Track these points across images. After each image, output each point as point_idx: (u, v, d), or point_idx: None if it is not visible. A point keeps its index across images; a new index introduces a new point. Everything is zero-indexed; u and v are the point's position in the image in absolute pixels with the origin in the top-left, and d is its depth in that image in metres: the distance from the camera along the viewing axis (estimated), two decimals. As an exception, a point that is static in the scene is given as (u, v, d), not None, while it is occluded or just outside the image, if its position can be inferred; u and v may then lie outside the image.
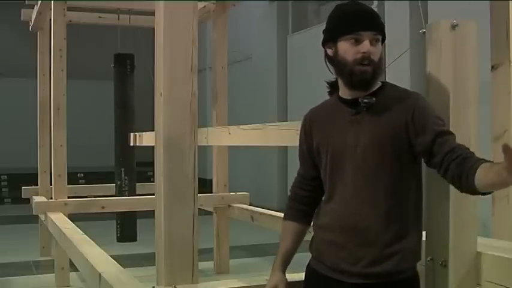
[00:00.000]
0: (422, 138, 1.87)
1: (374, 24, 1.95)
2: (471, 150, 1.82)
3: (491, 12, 2.91)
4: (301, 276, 2.18)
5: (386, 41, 2.01)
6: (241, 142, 3.54)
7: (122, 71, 6.41)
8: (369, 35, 1.93)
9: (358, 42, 1.93)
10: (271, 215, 5.14)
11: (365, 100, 1.94)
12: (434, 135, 1.84)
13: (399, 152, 1.91)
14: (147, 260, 5.35)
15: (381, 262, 1.90)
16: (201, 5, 5.94)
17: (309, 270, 2.11)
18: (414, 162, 1.95)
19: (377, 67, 1.94)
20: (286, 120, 8.78)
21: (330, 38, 2.00)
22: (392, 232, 1.90)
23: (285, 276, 2.15)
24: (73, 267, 4.65)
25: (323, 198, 2.07)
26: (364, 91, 1.96)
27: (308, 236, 2.17)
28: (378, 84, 1.99)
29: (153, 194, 2.61)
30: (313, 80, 9.55)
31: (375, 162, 1.91)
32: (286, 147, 10.10)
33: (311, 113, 2.14)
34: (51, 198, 5.53)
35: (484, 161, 1.71)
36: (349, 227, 1.94)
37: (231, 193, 6.01)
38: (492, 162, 1.69)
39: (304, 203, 2.15)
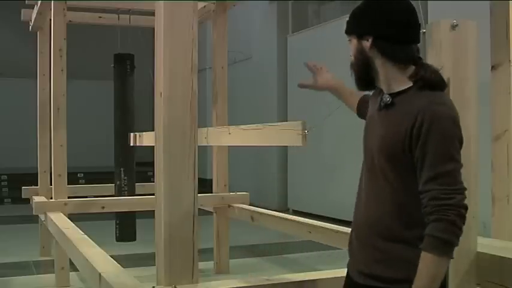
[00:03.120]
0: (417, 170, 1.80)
1: (346, 28, 1.99)
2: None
3: (491, 12, 2.91)
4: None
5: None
6: (241, 142, 3.53)
7: (121, 71, 6.39)
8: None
9: None
10: (271, 215, 5.14)
11: (382, 97, 1.91)
12: (424, 181, 1.76)
13: (399, 157, 1.82)
14: (147, 260, 5.35)
15: (372, 265, 1.89)
16: (201, 5, 5.94)
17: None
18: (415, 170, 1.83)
19: (355, 65, 1.95)
20: (286, 120, 8.77)
21: None
22: (387, 238, 1.86)
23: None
24: (73, 267, 4.65)
25: None
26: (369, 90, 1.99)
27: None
28: (409, 84, 1.86)
29: (153, 194, 2.61)
30: (313, 80, 9.56)
31: (380, 163, 1.87)
32: (286, 147, 10.10)
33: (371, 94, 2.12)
34: (51, 198, 5.52)
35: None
36: (358, 226, 1.97)
37: (231, 193, 6.00)
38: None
39: None
